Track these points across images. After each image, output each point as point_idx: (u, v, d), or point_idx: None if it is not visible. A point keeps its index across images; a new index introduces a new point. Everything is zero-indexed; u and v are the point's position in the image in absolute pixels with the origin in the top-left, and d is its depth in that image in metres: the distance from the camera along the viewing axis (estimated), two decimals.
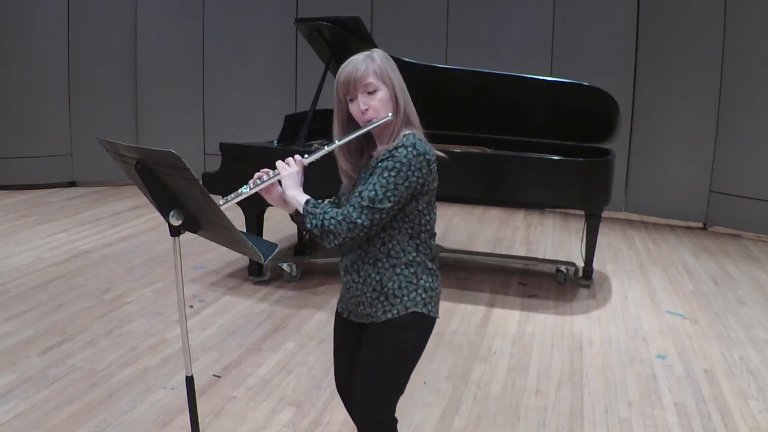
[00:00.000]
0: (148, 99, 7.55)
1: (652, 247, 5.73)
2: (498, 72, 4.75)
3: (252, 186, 1.92)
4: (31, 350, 3.50)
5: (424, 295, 1.91)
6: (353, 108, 1.91)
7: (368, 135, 1.94)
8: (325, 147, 1.95)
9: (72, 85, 7.20)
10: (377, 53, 1.92)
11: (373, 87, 1.87)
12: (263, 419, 2.91)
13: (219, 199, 1.88)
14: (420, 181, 1.82)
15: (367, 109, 1.88)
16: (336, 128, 1.96)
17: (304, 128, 4.42)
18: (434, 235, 1.96)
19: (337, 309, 2.11)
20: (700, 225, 6.47)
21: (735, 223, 6.23)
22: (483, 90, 4.74)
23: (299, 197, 1.89)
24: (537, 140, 4.89)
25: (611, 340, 3.84)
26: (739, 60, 5.98)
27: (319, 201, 1.90)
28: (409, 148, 1.81)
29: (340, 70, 1.91)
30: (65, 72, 7.16)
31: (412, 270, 1.90)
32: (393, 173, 1.79)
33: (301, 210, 1.87)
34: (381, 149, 1.89)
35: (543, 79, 4.89)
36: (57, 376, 3.22)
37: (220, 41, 7.47)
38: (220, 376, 3.29)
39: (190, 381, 1.98)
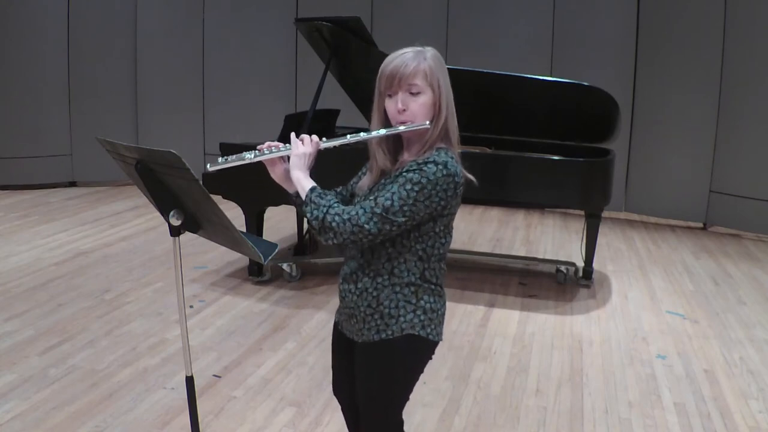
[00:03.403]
0: (148, 99, 7.55)
1: (652, 247, 5.73)
2: (498, 72, 4.75)
3: (257, 154, 1.81)
4: (31, 350, 3.50)
5: (423, 317, 1.78)
6: (390, 104, 1.76)
7: (398, 138, 1.82)
8: (348, 137, 1.81)
9: (72, 85, 7.20)
10: (430, 52, 1.77)
11: (418, 89, 1.73)
12: (263, 419, 2.91)
13: (221, 163, 1.83)
14: (442, 203, 1.69)
15: (404, 110, 1.74)
16: (373, 122, 1.82)
17: (305, 128, 4.42)
18: (444, 259, 1.82)
19: (335, 319, 2.01)
20: (700, 225, 6.47)
21: (735, 223, 6.23)
22: (483, 90, 4.74)
23: (304, 182, 1.75)
24: (537, 140, 4.89)
25: (611, 340, 3.84)
26: (739, 60, 5.98)
27: (326, 192, 1.76)
28: (440, 166, 1.67)
29: (386, 61, 1.76)
30: (65, 72, 7.16)
31: (411, 290, 1.77)
32: (416, 188, 1.65)
33: (303, 196, 1.74)
34: (408, 158, 1.77)
35: (543, 79, 4.89)
36: (57, 376, 3.22)
37: (220, 41, 7.48)
38: (220, 376, 3.29)
39: (190, 381, 1.97)
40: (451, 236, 1.83)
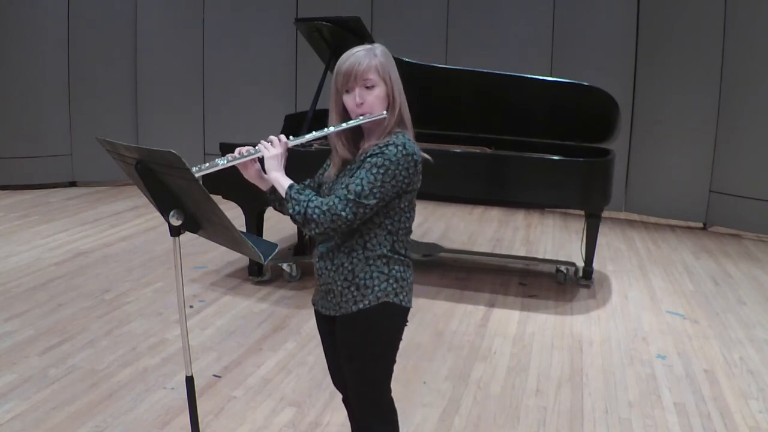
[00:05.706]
0: (148, 99, 7.55)
1: (652, 247, 5.73)
2: (498, 72, 4.75)
3: (229, 159, 1.93)
4: (31, 350, 3.50)
5: (395, 285, 1.93)
6: (348, 99, 1.92)
7: (358, 128, 1.96)
8: (313, 132, 1.97)
9: (72, 85, 7.20)
10: (379, 49, 1.94)
11: (372, 83, 1.89)
12: (263, 419, 2.91)
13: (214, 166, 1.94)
14: (406, 180, 1.85)
15: (362, 103, 1.90)
16: (331, 117, 1.98)
17: (305, 128, 4.42)
18: (410, 232, 2.00)
19: (312, 300, 2.11)
20: (700, 225, 6.47)
21: (735, 223, 6.23)
22: (483, 90, 4.74)
23: (282, 181, 1.90)
24: (537, 140, 4.89)
25: (611, 340, 3.84)
26: (739, 60, 5.98)
27: (302, 186, 1.91)
28: (399, 147, 1.84)
29: (340, 61, 1.92)
30: (65, 72, 7.16)
31: (383, 261, 1.92)
32: (381, 170, 1.81)
33: (283, 194, 1.88)
34: (370, 144, 1.91)
35: (543, 79, 4.89)
36: (57, 376, 3.22)
37: (220, 41, 7.47)
38: (220, 376, 3.29)
39: (190, 381, 1.98)
40: (414, 212, 1.98)
